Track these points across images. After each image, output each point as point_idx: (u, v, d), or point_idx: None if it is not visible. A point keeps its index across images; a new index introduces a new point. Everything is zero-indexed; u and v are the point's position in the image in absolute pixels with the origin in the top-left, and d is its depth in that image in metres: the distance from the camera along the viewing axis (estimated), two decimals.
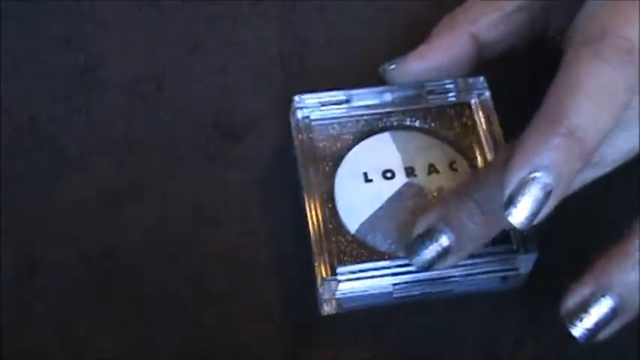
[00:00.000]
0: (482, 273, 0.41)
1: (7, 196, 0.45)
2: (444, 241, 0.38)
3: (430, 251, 0.38)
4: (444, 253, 0.39)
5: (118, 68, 0.49)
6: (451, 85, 0.44)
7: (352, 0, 0.50)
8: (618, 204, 0.44)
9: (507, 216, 0.37)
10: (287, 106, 0.44)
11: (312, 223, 0.41)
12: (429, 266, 0.39)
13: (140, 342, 0.41)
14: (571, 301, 0.38)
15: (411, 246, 0.39)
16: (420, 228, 0.39)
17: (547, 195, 0.36)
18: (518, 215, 0.37)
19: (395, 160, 0.43)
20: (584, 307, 0.38)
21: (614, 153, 0.39)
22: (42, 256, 0.43)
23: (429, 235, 0.39)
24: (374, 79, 0.45)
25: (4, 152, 0.46)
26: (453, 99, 0.44)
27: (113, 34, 0.50)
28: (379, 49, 0.47)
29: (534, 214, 0.37)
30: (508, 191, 0.36)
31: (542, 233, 0.41)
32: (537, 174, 0.36)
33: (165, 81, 0.48)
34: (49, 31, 0.50)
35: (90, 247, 0.43)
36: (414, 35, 0.45)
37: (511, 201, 0.36)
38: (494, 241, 0.40)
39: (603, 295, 0.37)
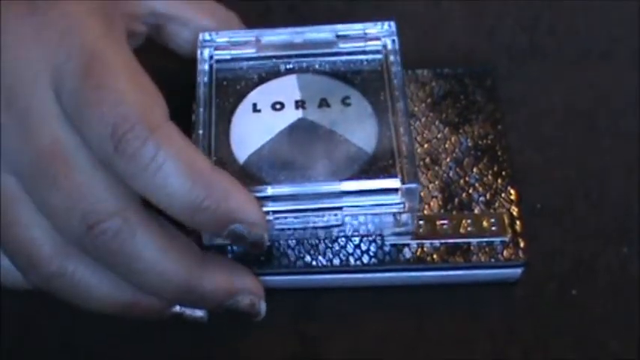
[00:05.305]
0: (368, 206, 0.40)
1: None
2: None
3: None
4: None
5: None
6: (361, 31, 0.44)
7: None
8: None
9: None
10: None
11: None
12: None
13: (145, 356, 0.41)
14: None
15: None
16: None
17: None
18: None
19: (290, 96, 0.43)
20: None
21: None
22: None
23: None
24: None
25: None
26: (363, 44, 0.44)
27: None
28: None
29: None
30: None
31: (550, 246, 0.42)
32: None
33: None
34: None
35: None
36: None
37: None
38: (379, 176, 0.40)
39: None
